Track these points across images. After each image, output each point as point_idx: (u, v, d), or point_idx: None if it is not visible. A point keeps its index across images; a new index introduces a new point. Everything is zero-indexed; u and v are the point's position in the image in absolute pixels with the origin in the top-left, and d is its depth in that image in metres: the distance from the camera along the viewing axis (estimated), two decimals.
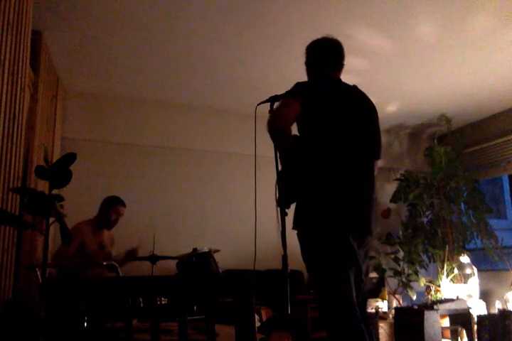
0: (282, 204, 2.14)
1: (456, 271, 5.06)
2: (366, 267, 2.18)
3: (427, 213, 5.42)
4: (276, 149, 2.15)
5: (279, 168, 2.17)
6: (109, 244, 3.89)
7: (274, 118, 2.10)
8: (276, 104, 2.19)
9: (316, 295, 2.14)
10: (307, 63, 2.41)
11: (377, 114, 2.33)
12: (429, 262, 5.26)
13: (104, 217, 3.80)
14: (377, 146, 2.30)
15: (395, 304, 5.06)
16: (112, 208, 3.81)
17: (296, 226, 2.13)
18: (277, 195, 2.16)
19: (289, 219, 2.09)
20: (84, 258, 3.60)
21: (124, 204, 3.88)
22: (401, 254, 5.25)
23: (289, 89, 2.22)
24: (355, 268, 2.07)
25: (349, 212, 2.07)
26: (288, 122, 2.10)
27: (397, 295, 5.11)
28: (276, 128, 2.07)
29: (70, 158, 2.20)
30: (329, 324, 2.00)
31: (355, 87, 2.33)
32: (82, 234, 3.65)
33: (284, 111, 2.11)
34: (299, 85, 2.22)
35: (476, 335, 4.39)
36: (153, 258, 3.60)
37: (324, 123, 2.16)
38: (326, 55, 2.37)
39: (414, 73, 4.47)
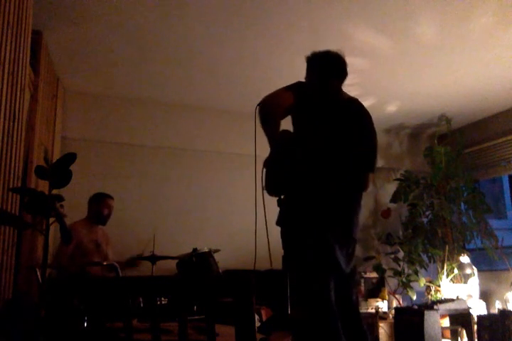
0: (272, 191, 2.20)
1: (456, 271, 5.06)
2: (351, 270, 2.18)
3: (427, 213, 5.41)
4: (266, 135, 2.20)
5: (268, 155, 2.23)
6: (104, 243, 3.90)
7: (264, 103, 2.15)
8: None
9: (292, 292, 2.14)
10: (311, 73, 2.39)
11: (374, 130, 2.33)
12: (429, 262, 5.25)
13: (96, 214, 3.84)
14: (370, 160, 2.30)
15: (395, 304, 5.07)
16: (101, 203, 3.86)
17: (279, 223, 2.17)
18: (264, 183, 2.23)
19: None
20: (81, 258, 3.61)
21: (111, 197, 3.93)
22: (401, 254, 5.25)
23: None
24: (336, 269, 2.07)
25: (333, 213, 2.10)
26: (277, 108, 2.15)
27: (397, 295, 5.11)
28: (266, 112, 2.14)
29: (70, 158, 2.20)
30: (304, 322, 2.02)
31: (355, 100, 2.34)
32: (78, 233, 3.66)
33: (275, 97, 2.16)
34: (298, 82, 2.25)
35: (476, 335, 4.39)
36: (153, 258, 3.61)
37: (315, 125, 2.19)
38: (330, 64, 2.36)
39: (414, 73, 4.46)
